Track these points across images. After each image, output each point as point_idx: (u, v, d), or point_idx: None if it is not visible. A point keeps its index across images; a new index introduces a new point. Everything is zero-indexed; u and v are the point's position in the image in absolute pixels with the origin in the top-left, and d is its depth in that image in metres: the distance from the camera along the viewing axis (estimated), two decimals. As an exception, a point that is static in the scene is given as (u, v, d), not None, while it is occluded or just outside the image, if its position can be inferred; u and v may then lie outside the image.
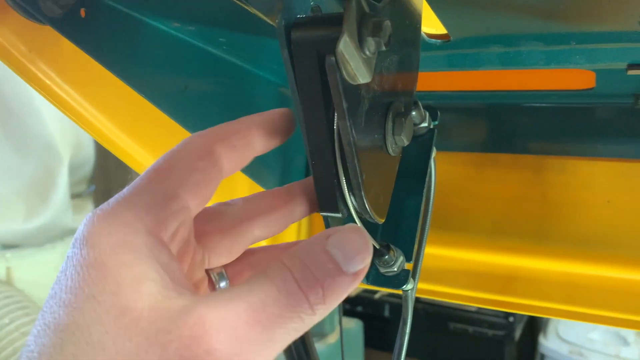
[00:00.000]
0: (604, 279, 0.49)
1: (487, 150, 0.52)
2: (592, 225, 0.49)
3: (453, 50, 0.39)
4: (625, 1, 0.27)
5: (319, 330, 1.62)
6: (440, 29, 0.37)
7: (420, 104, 0.38)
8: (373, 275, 0.36)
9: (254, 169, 0.50)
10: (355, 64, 0.24)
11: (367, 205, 0.29)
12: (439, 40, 0.38)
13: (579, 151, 0.49)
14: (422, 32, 0.36)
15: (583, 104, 0.47)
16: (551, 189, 0.50)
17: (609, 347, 1.68)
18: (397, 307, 2.02)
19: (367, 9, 0.25)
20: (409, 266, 0.38)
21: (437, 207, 0.50)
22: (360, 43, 0.24)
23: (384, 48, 0.25)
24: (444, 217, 0.52)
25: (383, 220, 0.32)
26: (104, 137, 0.41)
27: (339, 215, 0.29)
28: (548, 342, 1.77)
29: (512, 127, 0.51)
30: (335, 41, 0.23)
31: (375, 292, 2.02)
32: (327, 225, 0.30)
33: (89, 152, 1.25)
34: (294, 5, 0.26)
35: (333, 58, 0.24)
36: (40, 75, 0.34)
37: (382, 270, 0.35)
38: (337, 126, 0.27)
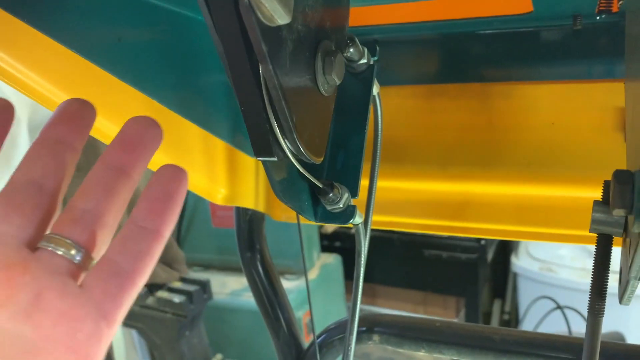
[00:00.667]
0: (552, 199, 0.51)
1: (435, 81, 0.52)
2: (539, 147, 0.50)
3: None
4: None
5: (298, 268, 1.66)
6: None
7: (357, 40, 0.38)
8: (321, 213, 0.37)
9: (203, 116, 0.50)
10: (270, 4, 0.24)
11: (301, 147, 0.29)
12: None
13: (523, 76, 0.50)
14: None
15: (524, 28, 0.48)
16: (498, 115, 0.51)
17: (575, 261, 1.76)
18: (373, 239, 2.07)
19: (279, -53, 0.25)
20: (356, 202, 0.39)
21: (388, 141, 0.51)
22: (273, -17, 0.24)
23: (298, -13, 0.24)
24: (395, 150, 0.53)
25: (321, 160, 0.33)
26: (43, 98, 0.40)
27: (275, 159, 0.29)
28: (520, 261, 1.85)
29: (457, 57, 0.51)
30: None
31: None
32: (266, 169, 0.31)
33: (47, 111, 1.22)
34: None
35: (246, 0, 0.24)
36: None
37: (329, 207, 0.36)
38: (262, 70, 0.27)
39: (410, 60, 0.53)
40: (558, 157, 0.49)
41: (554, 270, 1.78)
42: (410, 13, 0.48)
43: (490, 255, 1.89)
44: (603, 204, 0.34)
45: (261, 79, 0.27)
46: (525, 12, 0.44)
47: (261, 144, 0.29)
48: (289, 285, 1.62)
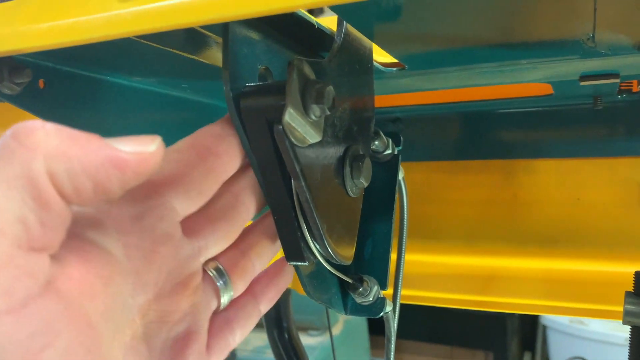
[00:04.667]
0: (579, 273, 0.50)
1: (458, 158, 0.53)
2: (564, 223, 0.50)
3: (410, 76, 0.40)
4: (573, 22, 0.28)
5: (321, 324, 1.65)
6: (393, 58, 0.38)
7: (381, 132, 0.39)
8: (350, 305, 0.38)
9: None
10: (302, 129, 0.25)
11: (331, 252, 0.30)
12: (394, 69, 0.39)
13: (545, 152, 0.51)
14: (375, 63, 0.37)
15: (545, 108, 0.49)
16: (522, 190, 0.51)
17: (606, 313, 1.71)
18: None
19: (311, 75, 0.26)
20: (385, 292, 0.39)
21: (413, 215, 0.51)
22: (305, 110, 0.25)
23: (328, 112, 0.25)
24: (421, 225, 0.53)
25: (350, 261, 0.33)
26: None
27: (307, 263, 0.30)
28: (548, 313, 1.80)
29: (480, 134, 0.52)
30: (281, 110, 0.24)
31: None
32: (298, 271, 0.32)
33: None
34: (240, 72, 0.26)
35: (281, 126, 0.25)
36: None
37: (359, 300, 0.37)
38: (295, 186, 0.28)
39: (432, 136, 0.54)
40: (584, 233, 0.49)
41: (585, 322, 1.73)
42: (433, 96, 0.49)
43: (517, 307, 1.84)
44: (635, 296, 0.34)
45: (293, 192, 0.28)
46: (546, 94, 0.45)
47: (293, 250, 0.30)
48: (312, 341, 1.60)
